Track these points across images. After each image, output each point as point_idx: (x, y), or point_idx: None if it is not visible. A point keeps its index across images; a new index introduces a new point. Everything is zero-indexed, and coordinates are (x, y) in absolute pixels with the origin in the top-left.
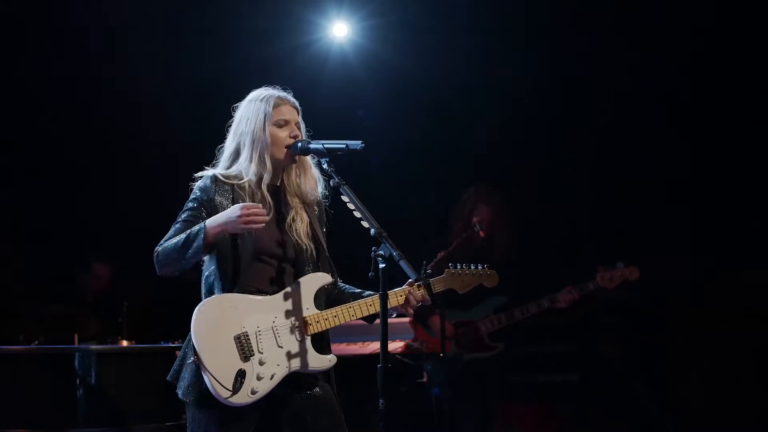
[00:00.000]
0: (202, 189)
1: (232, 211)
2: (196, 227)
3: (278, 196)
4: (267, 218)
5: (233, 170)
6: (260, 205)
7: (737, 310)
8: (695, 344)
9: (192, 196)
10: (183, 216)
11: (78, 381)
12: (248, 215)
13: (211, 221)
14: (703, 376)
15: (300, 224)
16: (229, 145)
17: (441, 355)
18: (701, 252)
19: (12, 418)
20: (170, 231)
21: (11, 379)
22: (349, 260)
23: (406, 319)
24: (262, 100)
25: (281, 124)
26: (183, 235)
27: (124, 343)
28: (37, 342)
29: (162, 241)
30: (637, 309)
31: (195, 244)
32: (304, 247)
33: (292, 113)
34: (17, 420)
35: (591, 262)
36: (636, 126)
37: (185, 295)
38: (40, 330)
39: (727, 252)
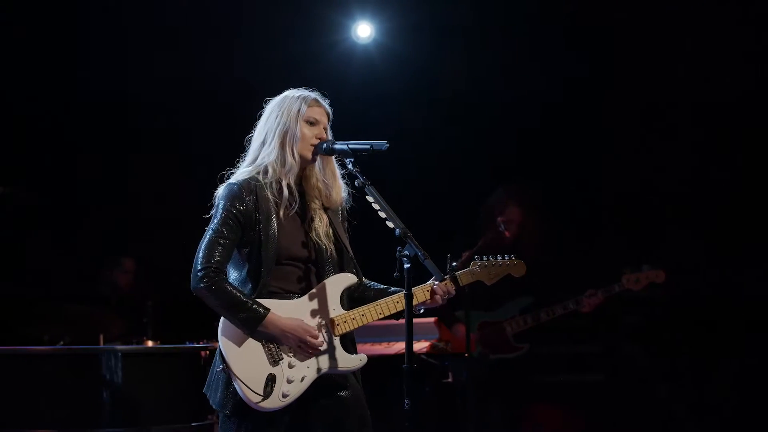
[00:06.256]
0: (227, 198)
1: (295, 331)
2: (260, 313)
3: (300, 196)
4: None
5: (258, 163)
6: (321, 342)
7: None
8: (721, 345)
9: (220, 207)
10: (218, 228)
11: (103, 381)
12: (308, 348)
13: (273, 323)
14: (729, 377)
15: (319, 225)
16: (257, 137)
17: (466, 355)
18: (727, 253)
19: (37, 418)
20: (204, 246)
21: (36, 380)
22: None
23: (431, 319)
24: (298, 98)
25: (312, 122)
26: (241, 304)
27: (150, 343)
28: (62, 342)
29: (203, 260)
30: (662, 309)
31: (245, 327)
32: (324, 247)
33: (323, 116)
34: (42, 420)
35: (616, 263)
36: (654, 130)
37: None
38: (64, 330)
39: (753, 252)
